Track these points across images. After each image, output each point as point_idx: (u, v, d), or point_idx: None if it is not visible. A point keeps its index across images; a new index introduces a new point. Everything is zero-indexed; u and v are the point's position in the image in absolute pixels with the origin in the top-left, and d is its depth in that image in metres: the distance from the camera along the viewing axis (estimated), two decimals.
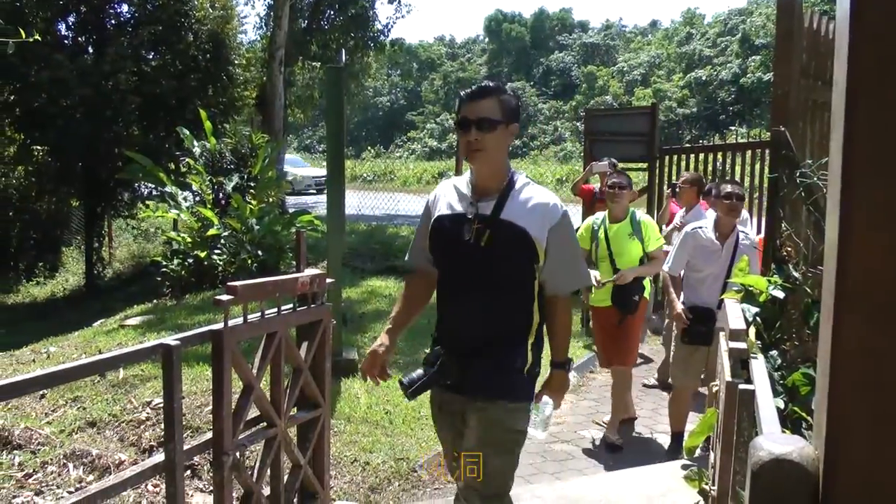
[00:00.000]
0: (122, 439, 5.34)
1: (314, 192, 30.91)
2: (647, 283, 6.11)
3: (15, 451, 5.08)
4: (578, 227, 6.14)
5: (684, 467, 4.80)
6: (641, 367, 8.12)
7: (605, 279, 5.95)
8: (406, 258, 3.58)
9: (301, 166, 35.15)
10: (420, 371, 3.22)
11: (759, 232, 7.07)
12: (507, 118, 3.09)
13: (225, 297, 3.23)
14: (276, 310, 3.54)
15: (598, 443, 5.98)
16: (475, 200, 3.15)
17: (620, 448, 5.92)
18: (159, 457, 3.21)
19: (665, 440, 6.03)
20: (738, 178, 8.93)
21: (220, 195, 12.25)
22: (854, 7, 1.26)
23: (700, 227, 5.73)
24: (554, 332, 3.32)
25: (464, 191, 3.23)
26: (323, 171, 35.59)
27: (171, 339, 3.12)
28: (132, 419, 5.55)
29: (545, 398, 3.40)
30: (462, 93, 3.16)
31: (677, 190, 7.83)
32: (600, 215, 6.24)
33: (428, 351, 3.30)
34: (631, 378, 6.43)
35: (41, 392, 5.88)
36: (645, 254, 5.97)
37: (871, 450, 1.31)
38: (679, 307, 5.61)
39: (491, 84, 3.17)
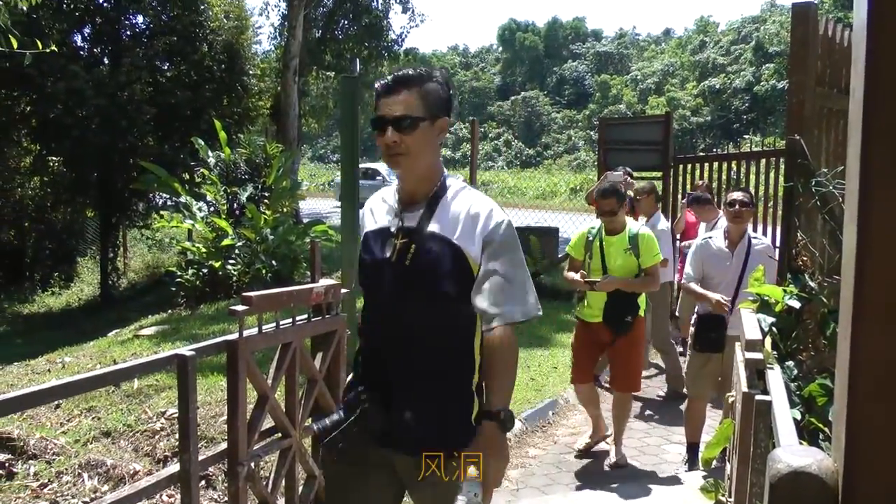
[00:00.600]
0: (137, 449, 5.34)
1: None
2: (642, 301, 5.80)
3: (30, 461, 5.09)
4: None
5: (701, 479, 4.78)
6: (655, 378, 8.09)
7: (591, 278, 5.64)
8: (354, 285, 3.07)
9: None
10: (335, 416, 2.61)
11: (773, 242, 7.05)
12: (431, 112, 2.54)
13: (240, 308, 3.24)
14: (290, 320, 3.54)
15: (612, 456, 5.93)
16: (400, 211, 2.64)
17: (625, 465, 5.80)
18: (174, 467, 3.21)
19: (680, 451, 6.00)
20: (752, 186, 8.90)
21: (235, 205, 12.30)
22: (872, 15, 1.25)
23: (710, 237, 5.73)
24: (491, 372, 2.56)
25: (390, 201, 2.72)
26: None
27: (186, 350, 3.13)
28: (147, 429, 5.56)
29: (472, 473, 2.45)
30: (377, 84, 2.60)
31: (637, 198, 7.85)
32: (597, 224, 5.86)
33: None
34: (631, 403, 6.15)
35: (56, 402, 5.90)
36: (641, 270, 5.66)
37: (892, 461, 1.30)
38: (716, 296, 5.47)
39: (411, 72, 2.57)
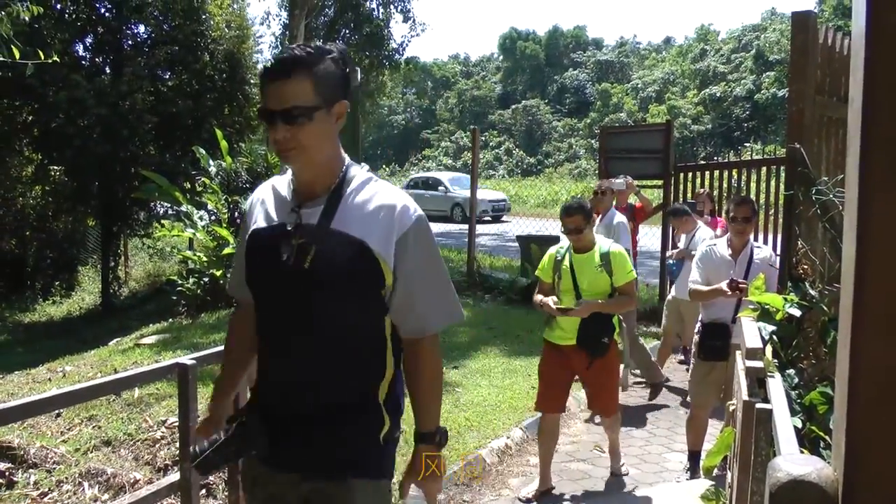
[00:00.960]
0: (137, 458, 5.34)
1: (489, 218, 26.28)
2: (616, 321, 5.39)
3: (31, 470, 5.09)
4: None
5: (703, 487, 4.77)
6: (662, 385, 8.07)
7: (565, 305, 5.22)
8: (227, 288, 2.68)
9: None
10: (214, 436, 2.32)
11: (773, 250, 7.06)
12: (327, 98, 2.19)
13: None
14: None
15: (610, 467, 5.91)
16: (297, 206, 2.29)
17: (625, 474, 5.77)
18: (174, 476, 3.21)
19: (682, 459, 5.99)
20: (752, 194, 8.91)
21: (236, 214, 12.30)
22: (870, 24, 1.25)
23: (713, 245, 5.73)
24: (419, 389, 2.39)
25: (284, 193, 2.37)
26: (501, 194, 29.72)
27: (186, 359, 3.13)
28: (147, 438, 5.55)
29: (413, 492, 2.39)
30: (261, 67, 2.30)
31: (598, 196, 8.06)
32: (566, 243, 5.44)
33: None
34: (619, 421, 5.80)
35: (57, 411, 5.90)
36: (614, 289, 5.25)
37: (892, 470, 1.29)
38: (722, 284, 5.33)
39: (297, 51, 2.18)
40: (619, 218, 7.77)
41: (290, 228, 2.25)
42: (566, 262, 5.33)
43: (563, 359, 5.36)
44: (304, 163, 2.24)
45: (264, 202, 2.40)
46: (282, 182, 2.41)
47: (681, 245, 8.05)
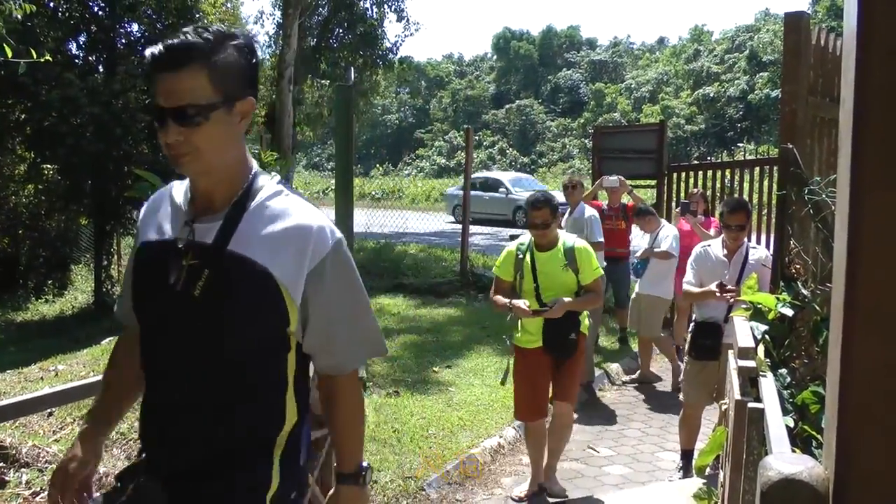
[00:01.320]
0: (130, 457, 5.33)
1: None
2: (583, 317, 5.23)
3: (22, 469, 5.07)
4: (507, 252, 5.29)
5: (695, 486, 4.78)
6: (644, 386, 8.09)
7: (534, 307, 5.02)
8: (115, 312, 2.29)
9: (534, 187, 25.78)
10: (98, 496, 2.04)
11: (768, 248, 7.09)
12: (228, 94, 1.84)
13: None
14: None
15: (605, 463, 5.92)
16: (191, 220, 1.93)
17: (566, 498, 5.36)
18: None
19: (674, 458, 6.00)
20: (746, 195, 8.93)
21: None
22: (861, 26, 1.26)
23: (708, 245, 5.75)
24: (338, 429, 2.10)
25: (179, 202, 2.01)
26: (559, 198, 28.59)
27: None
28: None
29: None
30: (147, 52, 1.85)
31: (568, 191, 8.33)
32: (525, 240, 5.22)
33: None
34: (572, 421, 5.54)
35: (49, 410, 5.88)
36: (580, 287, 5.08)
37: (883, 469, 1.30)
38: (712, 285, 5.35)
39: (191, 37, 1.80)
40: (590, 211, 7.90)
41: (181, 246, 1.90)
42: (528, 260, 5.13)
43: (535, 362, 5.19)
44: (200, 170, 1.89)
45: (159, 210, 2.05)
46: (180, 188, 2.05)
47: (645, 244, 8.10)
